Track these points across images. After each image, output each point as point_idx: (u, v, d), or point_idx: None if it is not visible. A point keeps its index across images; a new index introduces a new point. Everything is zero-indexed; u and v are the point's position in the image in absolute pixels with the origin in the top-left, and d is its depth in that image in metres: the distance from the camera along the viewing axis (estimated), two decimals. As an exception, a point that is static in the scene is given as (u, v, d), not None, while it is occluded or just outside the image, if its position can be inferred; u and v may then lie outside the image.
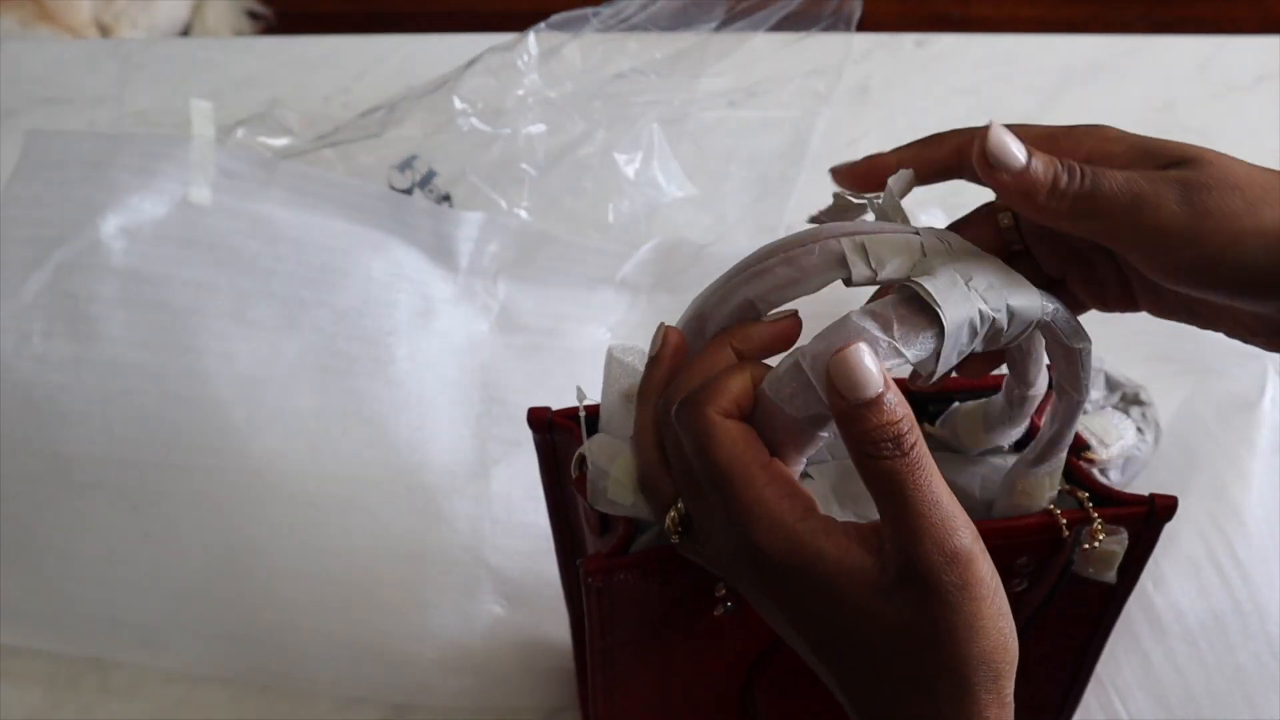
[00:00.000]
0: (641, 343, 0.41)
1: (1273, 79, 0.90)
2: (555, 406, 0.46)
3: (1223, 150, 0.43)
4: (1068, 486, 0.45)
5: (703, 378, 0.37)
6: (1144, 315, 0.44)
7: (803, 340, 0.38)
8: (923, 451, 0.34)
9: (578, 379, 0.44)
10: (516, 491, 0.62)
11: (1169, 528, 0.45)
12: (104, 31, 1.56)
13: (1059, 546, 0.44)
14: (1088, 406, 0.61)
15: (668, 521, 0.38)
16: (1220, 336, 0.58)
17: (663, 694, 0.49)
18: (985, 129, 0.36)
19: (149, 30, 1.58)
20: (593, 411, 0.43)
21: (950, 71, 0.90)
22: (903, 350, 0.35)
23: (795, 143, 0.78)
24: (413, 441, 0.63)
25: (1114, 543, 0.43)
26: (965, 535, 0.34)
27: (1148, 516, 0.44)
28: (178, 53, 0.91)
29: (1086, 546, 0.43)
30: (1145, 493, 0.44)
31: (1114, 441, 0.50)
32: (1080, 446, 0.48)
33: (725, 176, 0.78)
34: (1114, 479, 0.60)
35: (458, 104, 0.71)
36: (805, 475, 0.45)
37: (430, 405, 0.64)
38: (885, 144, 0.71)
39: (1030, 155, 0.37)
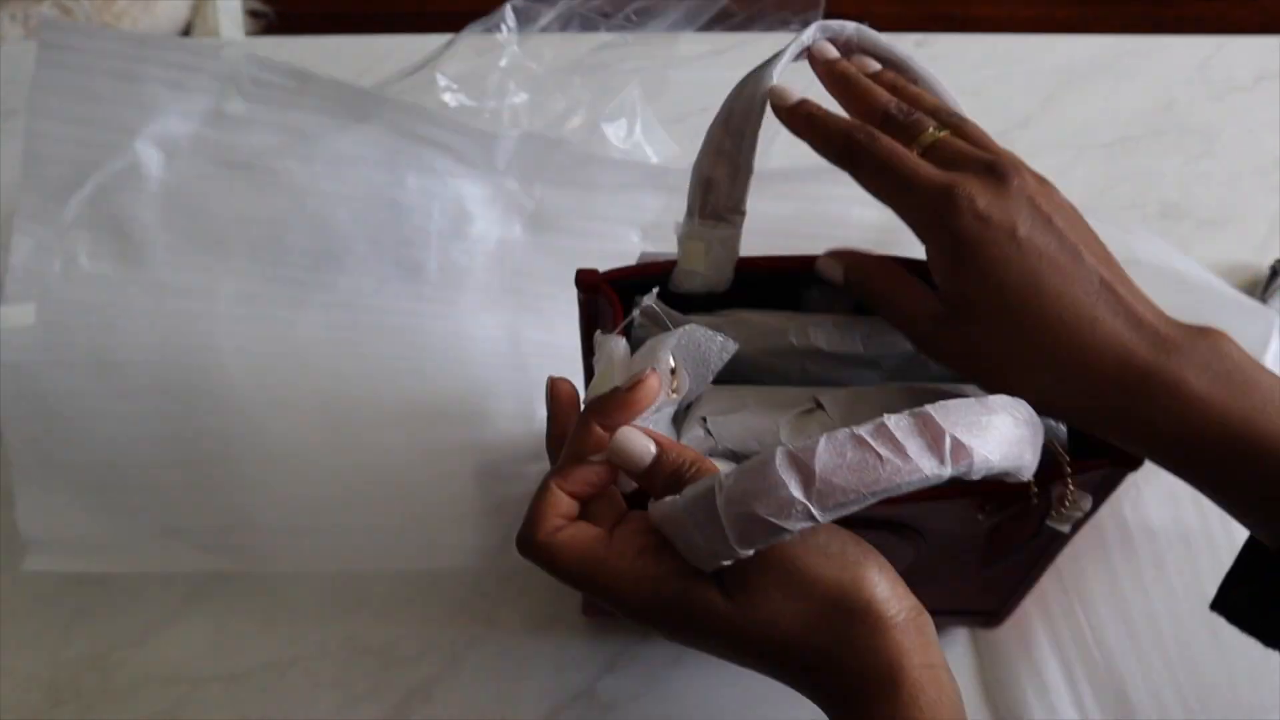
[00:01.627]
0: (673, 243, 0.47)
1: (1273, 79, 0.90)
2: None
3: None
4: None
5: (573, 460, 0.41)
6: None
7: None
8: None
9: None
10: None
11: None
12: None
13: (1025, 498, 0.46)
14: None
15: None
16: (1225, 293, 0.59)
17: None
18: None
19: (149, 30, 1.57)
20: (654, 271, 0.49)
21: (950, 71, 0.89)
22: (817, 515, 0.36)
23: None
24: (451, 352, 0.66)
25: (1077, 508, 0.46)
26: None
27: (1113, 466, 0.46)
28: (179, 49, 0.91)
29: (1053, 513, 0.46)
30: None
31: None
32: None
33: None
34: None
35: (441, 81, 0.72)
36: (818, 406, 0.47)
37: (465, 314, 0.67)
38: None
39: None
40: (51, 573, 0.63)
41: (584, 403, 0.44)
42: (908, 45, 0.91)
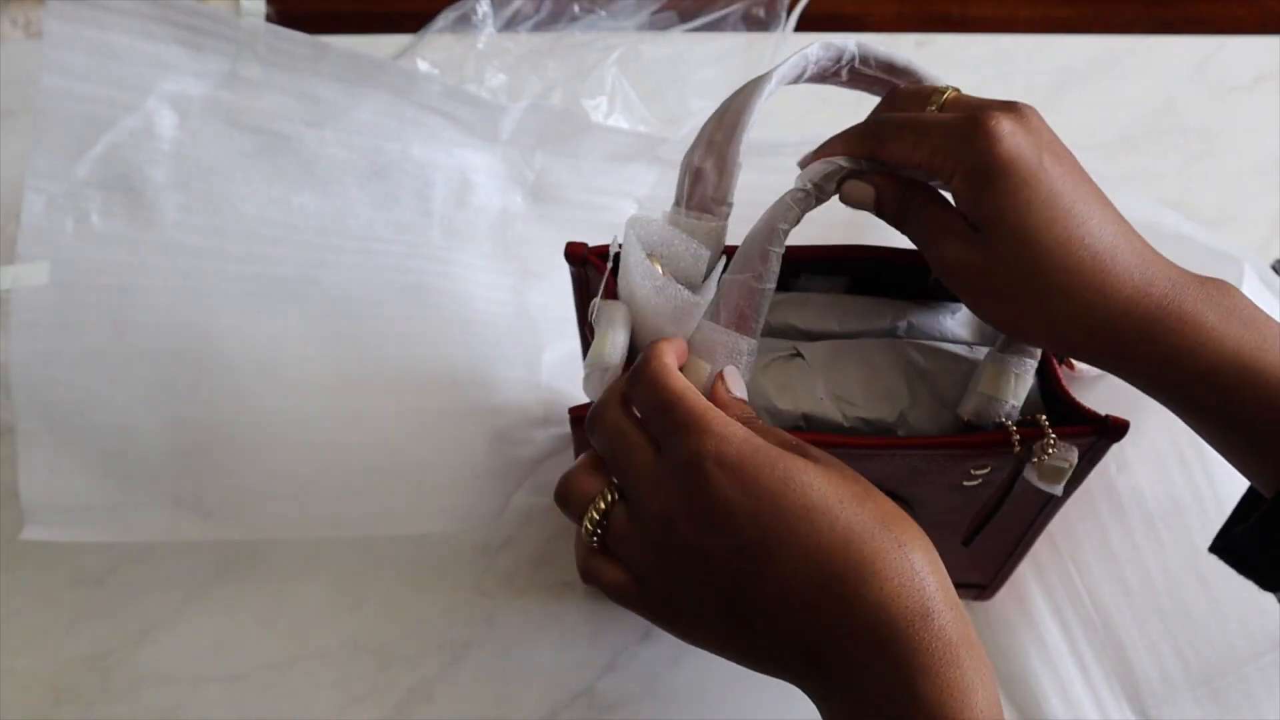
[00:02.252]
0: (667, 207, 0.47)
1: (1273, 79, 0.90)
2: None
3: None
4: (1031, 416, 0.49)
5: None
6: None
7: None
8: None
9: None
10: (558, 358, 0.68)
11: (1136, 420, 0.48)
12: (104, 31, 1.55)
13: (1014, 457, 0.48)
14: None
15: (586, 521, 0.41)
16: (1199, 240, 0.60)
17: None
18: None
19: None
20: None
21: (950, 71, 0.89)
22: None
23: (755, 67, 0.80)
24: (456, 316, 0.67)
25: (1062, 459, 0.47)
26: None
27: (1098, 434, 0.48)
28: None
29: (1036, 460, 0.47)
30: (1103, 413, 0.48)
31: None
32: None
33: (687, 111, 0.80)
34: None
35: (422, 66, 0.72)
36: (797, 354, 0.49)
37: (469, 278, 0.67)
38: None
39: (875, 197, 0.46)
40: (40, 562, 0.63)
41: (585, 368, 0.45)
42: (908, 45, 0.91)
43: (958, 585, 0.62)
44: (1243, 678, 0.62)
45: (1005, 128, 0.43)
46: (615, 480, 0.42)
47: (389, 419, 0.65)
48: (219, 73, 0.64)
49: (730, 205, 0.47)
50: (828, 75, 0.50)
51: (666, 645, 0.65)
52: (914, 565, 0.37)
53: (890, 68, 0.50)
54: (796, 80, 0.49)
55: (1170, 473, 0.66)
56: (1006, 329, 0.45)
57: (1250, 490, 0.46)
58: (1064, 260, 0.42)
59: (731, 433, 0.39)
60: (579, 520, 0.42)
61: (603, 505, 0.41)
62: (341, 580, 0.66)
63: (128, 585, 0.65)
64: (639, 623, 0.65)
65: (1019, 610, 0.65)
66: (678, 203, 0.47)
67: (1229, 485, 0.65)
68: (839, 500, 0.38)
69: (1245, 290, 0.66)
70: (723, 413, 0.40)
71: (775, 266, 0.44)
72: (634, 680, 0.64)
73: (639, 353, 0.45)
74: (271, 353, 0.64)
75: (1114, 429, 0.47)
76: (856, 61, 0.49)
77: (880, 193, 0.47)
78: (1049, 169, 0.42)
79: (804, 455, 0.40)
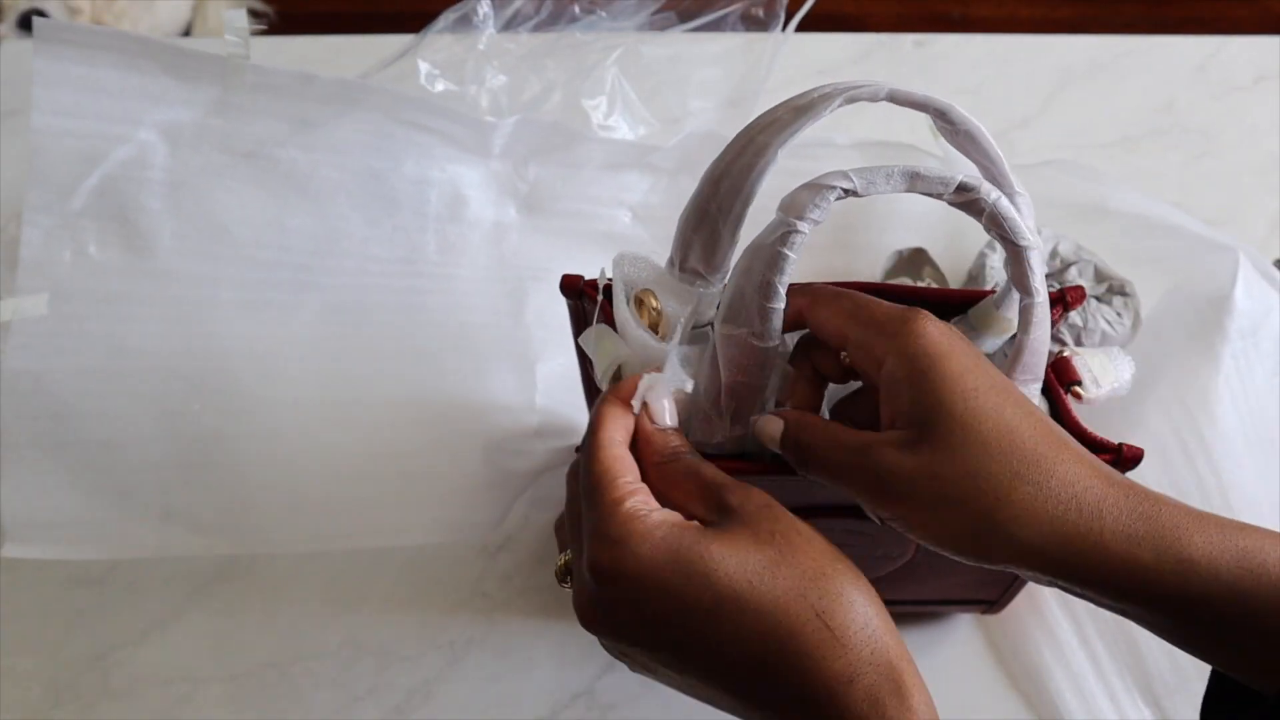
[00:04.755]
0: (660, 222, 0.45)
1: (1273, 79, 0.90)
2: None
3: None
4: None
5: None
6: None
7: None
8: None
9: (604, 263, 0.49)
10: (555, 370, 0.68)
11: (1138, 411, 0.46)
12: (104, 31, 1.55)
13: None
14: (1082, 337, 0.64)
15: (555, 567, 0.44)
16: (1192, 231, 0.60)
17: None
18: None
19: (150, 30, 1.58)
20: None
21: (950, 71, 0.90)
22: None
23: (754, 67, 0.79)
24: (451, 330, 0.67)
25: None
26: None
27: (1114, 464, 0.45)
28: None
29: None
30: (1116, 441, 0.46)
31: (1107, 383, 0.50)
32: (1072, 380, 0.49)
33: (687, 112, 0.80)
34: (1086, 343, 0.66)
35: (424, 67, 0.72)
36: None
37: (464, 293, 0.68)
38: (885, 144, 0.72)
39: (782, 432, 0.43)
40: (40, 562, 0.63)
41: (600, 382, 0.46)
42: (908, 45, 0.91)
43: (966, 603, 0.63)
44: None
45: (939, 325, 0.41)
46: None
47: (383, 433, 0.65)
48: (208, 100, 0.64)
49: (724, 273, 0.45)
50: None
51: (666, 645, 0.65)
52: (834, 630, 0.37)
53: (924, 108, 0.45)
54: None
55: (1174, 462, 0.66)
56: (963, 544, 0.40)
57: (1218, 676, 0.43)
58: (1021, 448, 0.39)
59: (625, 535, 0.39)
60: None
61: (567, 558, 0.44)
62: (341, 580, 0.66)
63: (128, 585, 0.65)
64: (639, 623, 0.65)
65: (1029, 606, 0.65)
66: (671, 263, 0.46)
67: (1232, 475, 0.65)
68: (747, 581, 0.38)
69: (1240, 280, 0.67)
70: (633, 506, 0.40)
71: (777, 323, 0.42)
72: (634, 680, 0.63)
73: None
74: (265, 367, 0.64)
75: (1130, 458, 0.46)
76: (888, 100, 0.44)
77: (789, 424, 0.43)
78: (985, 360, 0.41)
79: (720, 512, 0.40)
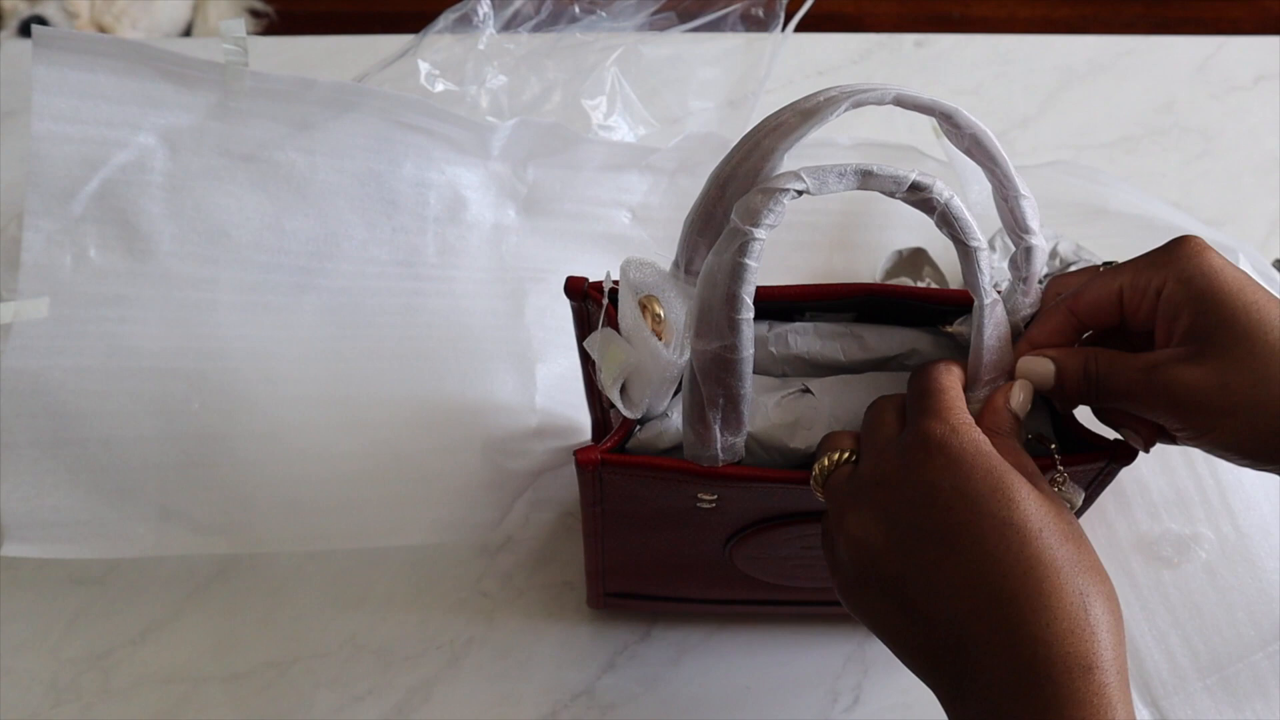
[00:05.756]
0: (660, 223, 0.48)
1: (1273, 79, 0.90)
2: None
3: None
4: (1035, 434, 0.47)
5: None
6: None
7: None
8: None
9: (604, 264, 0.49)
10: (555, 370, 0.68)
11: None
12: (103, 32, 1.55)
13: None
14: None
15: (817, 466, 0.45)
16: (1198, 233, 0.61)
17: (652, 548, 0.55)
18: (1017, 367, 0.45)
19: (149, 31, 1.57)
20: None
21: (950, 71, 0.90)
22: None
23: (754, 67, 0.80)
24: (451, 332, 0.67)
25: (1066, 499, 0.45)
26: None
27: (1110, 460, 0.47)
28: (179, 50, 0.91)
29: None
30: (1111, 440, 0.47)
31: None
32: None
33: (687, 112, 0.81)
34: None
35: (424, 67, 0.72)
36: (805, 390, 0.48)
37: (463, 294, 0.68)
38: (886, 145, 0.72)
39: (1055, 371, 0.44)
40: (40, 562, 0.63)
41: (608, 391, 0.46)
42: (908, 45, 0.91)
43: None
44: (1252, 666, 0.63)
45: (1204, 244, 0.43)
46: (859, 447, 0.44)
47: (382, 434, 0.65)
48: (207, 104, 0.65)
49: None
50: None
51: (666, 645, 0.65)
52: (1090, 615, 0.37)
53: (930, 111, 0.45)
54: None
55: (1173, 463, 0.67)
56: (1255, 448, 0.42)
57: None
58: None
59: (965, 429, 0.41)
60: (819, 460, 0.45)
61: (837, 457, 0.44)
62: (341, 580, 0.66)
63: (128, 585, 0.65)
64: (639, 623, 0.65)
65: None
66: (676, 265, 0.46)
67: (1231, 475, 0.66)
68: (1040, 529, 0.38)
69: None
70: (968, 414, 0.42)
71: (748, 333, 0.42)
72: (634, 680, 0.64)
73: (632, 398, 0.46)
74: (265, 368, 0.65)
75: (1126, 454, 0.47)
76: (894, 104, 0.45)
77: (1061, 364, 0.45)
78: (1252, 276, 0.43)
79: (1032, 481, 0.40)
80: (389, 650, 0.64)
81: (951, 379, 0.44)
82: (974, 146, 0.44)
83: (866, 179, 0.42)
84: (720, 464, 0.46)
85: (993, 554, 0.38)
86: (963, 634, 0.38)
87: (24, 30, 1.47)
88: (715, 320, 0.42)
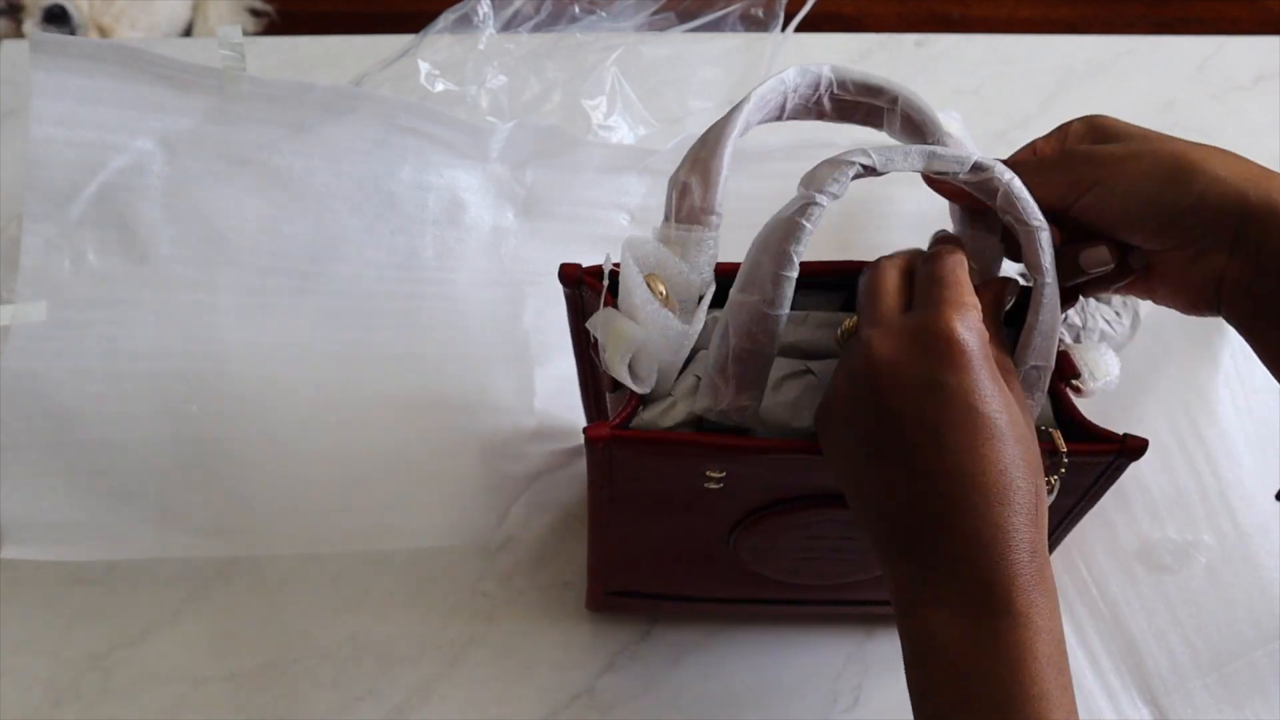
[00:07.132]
0: (658, 223, 0.48)
1: (1273, 79, 0.90)
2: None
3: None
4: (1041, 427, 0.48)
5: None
6: None
7: None
8: None
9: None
10: (553, 373, 0.68)
11: (1138, 410, 0.48)
12: (103, 33, 1.55)
13: None
14: (1081, 336, 0.65)
15: (840, 331, 0.47)
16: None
17: (657, 536, 0.55)
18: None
19: (149, 31, 1.57)
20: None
21: (950, 71, 0.90)
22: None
23: (754, 67, 0.80)
24: (449, 335, 0.68)
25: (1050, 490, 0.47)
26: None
27: (1117, 454, 0.48)
28: (177, 53, 0.91)
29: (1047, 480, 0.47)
30: (1120, 431, 0.48)
31: (1101, 376, 0.53)
32: (1072, 375, 0.50)
33: (687, 112, 0.81)
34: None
35: (424, 67, 0.72)
36: (808, 371, 0.49)
37: (462, 297, 0.68)
38: (885, 145, 0.71)
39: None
40: (40, 562, 0.64)
41: (614, 370, 0.46)
42: (908, 45, 0.91)
43: None
44: (1251, 663, 0.63)
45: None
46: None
47: (381, 436, 0.65)
48: (205, 108, 0.65)
49: (719, 215, 0.47)
50: (810, 106, 0.50)
51: (666, 645, 0.65)
52: (1039, 510, 0.42)
53: (867, 89, 0.50)
54: (781, 114, 0.49)
55: (1173, 462, 0.67)
56: (1160, 185, 0.46)
57: None
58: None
59: (980, 331, 0.42)
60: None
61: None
62: (341, 580, 0.66)
63: (128, 585, 0.65)
64: (639, 623, 0.65)
65: None
66: (666, 218, 0.47)
67: (1232, 474, 0.66)
68: (1017, 436, 0.41)
69: None
70: (979, 308, 0.43)
71: (788, 292, 0.44)
72: (634, 680, 0.64)
73: (639, 374, 0.47)
74: (264, 370, 0.65)
75: (1134, 449, 0.47)
76: (835, 87, 0.49)
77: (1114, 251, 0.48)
78: None
79: (1008, 380, 0.43)
80: (389, 650, 0.64)
81: (965, 269, 0.45)
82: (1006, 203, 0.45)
83: (931, 160, 0.43)
84: (731, 421, 0.46)
85: (978, 446, 0.41)
86: (935, 518, 0.41)
87: (49, 18, 1.47)
88: (761, 274, 0.43)
